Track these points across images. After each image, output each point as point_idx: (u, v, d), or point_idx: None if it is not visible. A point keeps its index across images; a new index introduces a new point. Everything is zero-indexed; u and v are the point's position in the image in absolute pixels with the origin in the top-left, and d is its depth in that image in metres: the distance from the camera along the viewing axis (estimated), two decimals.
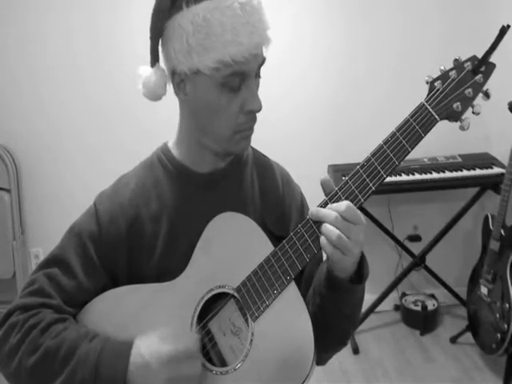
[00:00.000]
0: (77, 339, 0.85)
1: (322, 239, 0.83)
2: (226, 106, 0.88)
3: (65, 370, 0.82)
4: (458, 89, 0.86)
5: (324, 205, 0.86)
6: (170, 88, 0.95)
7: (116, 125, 2.83)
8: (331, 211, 0.82)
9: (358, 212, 0.82)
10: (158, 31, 0.89)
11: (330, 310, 0.90)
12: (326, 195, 0.87)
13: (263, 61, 0.90)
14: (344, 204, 0.81)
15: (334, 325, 0.93)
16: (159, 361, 0.80)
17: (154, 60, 0.92)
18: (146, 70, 0.94)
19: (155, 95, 0.94)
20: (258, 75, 0.91)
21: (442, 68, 0.88)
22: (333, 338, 0.95)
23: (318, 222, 0.84)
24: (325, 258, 0.99)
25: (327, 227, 0.81)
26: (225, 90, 0.87)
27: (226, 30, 0.83)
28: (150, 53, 0.92)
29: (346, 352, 2.78)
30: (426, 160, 2.80)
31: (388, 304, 3.08)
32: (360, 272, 0.87)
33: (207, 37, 0.83)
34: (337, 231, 0.80)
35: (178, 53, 0.86)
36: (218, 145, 0.94)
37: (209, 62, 0.84)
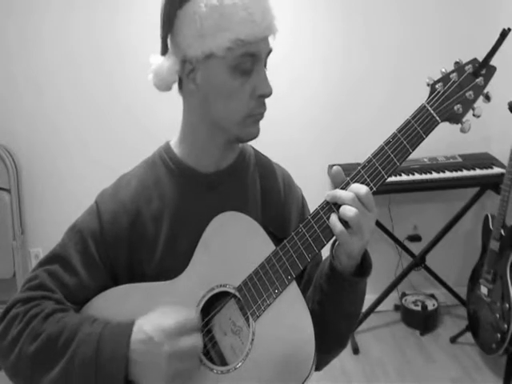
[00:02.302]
0: (78, 323, 0.85)
1: (333, 218, 0.83)
2: (238, 90, 0.89)
3: (66, 352, 0.82)
4: (458, 91, 0.87)
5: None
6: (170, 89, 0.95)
7: (116, 125, 2.83)
8: (349, 192, 0.83)
9: (373, 199, 0.83)
10: (169, 21, 0.90)
11: (330, 307, 0.91)
12: (337, 186, 0.87)
13: (270, 50, 0.92)
14: (365, 187, 0.83)
15: (334, 323, 0.93)
16: (161, 333, 0.81)
17: (165, 48, 0.93)
18: (157, 59, 0.94)
19: (167, 83, 0.94)
20: (265, 65, 0.93)
21: (443, 70, 0.88)
22: (331, 338, 0.95)
23: (325, 216, 0.85)
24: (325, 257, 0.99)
25: (344, 206, 0.82)
26: (237, 72, 0.88)
27: (240, 10, 0.85)
28: (161, 41, 0.92)
29: (346, 352, 2.76)
30: (426, 160, 2.80)
31: (388, 304, 3.08)
32: (363, 267, 0.88)
33: (221, 17, 0.85)
34: (354, 208, 0.81)
35: (191, 38, 0.87)
36: (228, 131, 0.94)
37: (223, 42, 0.85)
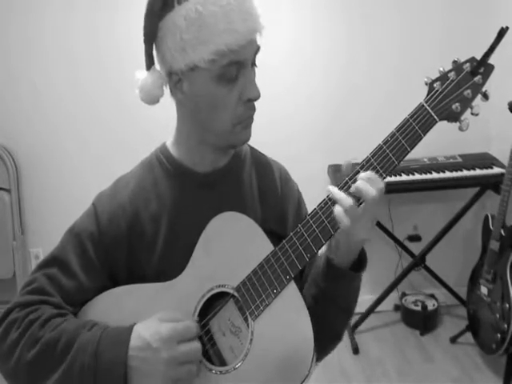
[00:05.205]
0: (76, 329, 0.85)
1: (337, 208, 0.84)
2: (224, 98, 0.88)
3: (64, 359, 0.82)
4: (457, 90, 0.87)
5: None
6: (166, 90, 0.94)
7: (116, 125, 2.83)
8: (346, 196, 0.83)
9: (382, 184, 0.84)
10: (151, 33, 0.89)
11: (324, 302, 0.91)
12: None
13: (258, 48, 0.90)
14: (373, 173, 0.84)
15: (328, 318, 0.93)
16: (159, 340, 0.81)
17: (150, 63, 0.92)
18: (142, 74, 0.94)
19: (152, 97, 0.94)
20: (253, 64, 0.92)
21: (441, 69, 0.88)
22: (325, 332, 0.94)
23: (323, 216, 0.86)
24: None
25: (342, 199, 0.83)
26: (222, 81, 0.87)
27: (220, 20, 0.83)
28: (145, 56, 0.92)
29: (345, 352, 2.78)
30: (426, 160, 2.80)
31: (388, 304, 3.08)
32: (358, 263, 0.89)
33: (201, 29, 0.84)
34: (364, 181, 0.82)
35: (173, 51, 0.86)
36: (219, 139, 0.94)
37: (205, 55, 0.84)
